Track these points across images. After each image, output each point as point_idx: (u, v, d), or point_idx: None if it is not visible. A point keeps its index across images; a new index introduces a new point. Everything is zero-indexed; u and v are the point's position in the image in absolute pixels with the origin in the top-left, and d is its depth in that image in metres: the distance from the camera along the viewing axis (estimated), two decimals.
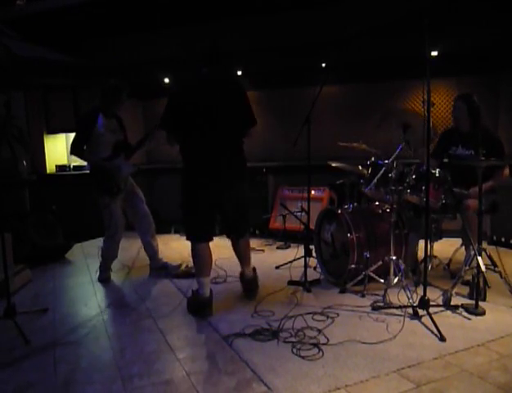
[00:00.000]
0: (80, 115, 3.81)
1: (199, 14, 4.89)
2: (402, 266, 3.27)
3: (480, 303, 2.98)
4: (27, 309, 3.24)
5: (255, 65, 5.52)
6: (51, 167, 6.18)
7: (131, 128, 4.16)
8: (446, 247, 4.07)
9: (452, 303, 3.03)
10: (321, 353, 2.48)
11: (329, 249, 3.79)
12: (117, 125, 3.92)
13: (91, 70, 4.93)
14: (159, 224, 4.12)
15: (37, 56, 4.28)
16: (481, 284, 3.03)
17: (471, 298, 3.10)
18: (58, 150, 6.37)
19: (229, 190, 3.15)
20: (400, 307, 2.99)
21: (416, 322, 2.84)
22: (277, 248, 4.99)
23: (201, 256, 3.17)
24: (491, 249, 3.41)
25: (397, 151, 3.30)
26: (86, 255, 4.95)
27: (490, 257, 3.27)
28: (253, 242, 4.50)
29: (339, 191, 4.77)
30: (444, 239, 3.87)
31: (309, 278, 3.58)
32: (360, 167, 3.71)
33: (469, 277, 3.17)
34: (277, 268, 4.15)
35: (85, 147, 3.80)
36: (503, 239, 4.55)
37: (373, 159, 3.55)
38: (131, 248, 4.49)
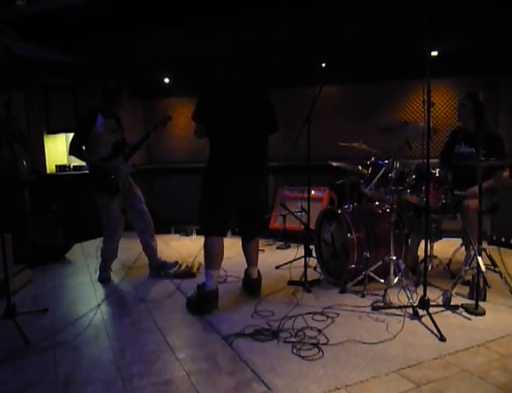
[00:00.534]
0: (79, 115, 3.81)
1: (199, 14, 4.89)
2: (402, 266, 3.27)
3: (480, 303, 2.98)
4: (27, 309, 3.24)
5: (255, 65, 5.51)
6: (51, 167, 6.18)
7: (131, 128, 4.16)
8: (446, 247, 4.07)
9: (452, 303, 3.03)
10: (321, 353, 2.48)
11: (329, 249, 3.79)
12: (116, 125, 3.92)
13: (91, 70, 4.93)
14: (159, 224, 4.12)
15: (37, 56, 4.27)
16: (481, 284, 3.03)
17: (471, 298, 3.10)
18: (58, 150, 6.37)
19: (251, 189, 3.24)
20: (400, 307, 2.99)
21: (416, 322, 2.84)
22: (277, 248, 4.99)
23: (214, 249, 3.18)
24: (491, 249, 3.41)
25: (397, 151, 3.30)
26: (86, 255, 4.94)
27: (490, 257, 3.27)
28: None
29: (339, 191, 4.78)
30: (444, 239, 3.87)
31: (309, 278, 3.58)
32: (360, 167, 3.71)
33: (469, 277, 3.18)
34: (277, 268, 4.15)
35: (84, 147, 3.80)
36: (503, 239, 4.55)
37: (373, 159, 3.55)
38: (131, 248, 4.48)
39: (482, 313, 2.91)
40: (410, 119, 5.39)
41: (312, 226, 3.92)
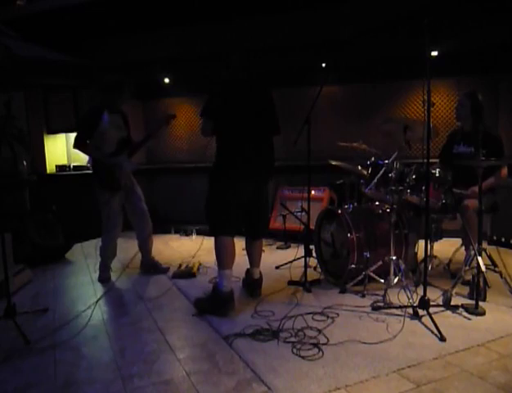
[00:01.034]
0: (85, 111, 3.82)
1: (199, 14, 4.89)
2: (402, 266, 3.27)
3: (480, 303, 2.98)
4: (27, 309, 3.25)
5: (255, 65, 5.51)
6: (51, 167, 6.17)
7: (131, 127, 4.15)
8: (446, 247, 4.07)
9: (452, 303, 3.03)
10: (321, 353, 2.48)
11: (329, 249, 3.79)
12: (122, 122, 3.93)
13: (91, 70, 4.93)
14: (159, 224, 4.13)
15: (37, 56, 4.27)
16: (481, 284, 3.02)
17: (471, 298, 3.10)
18: (58, 150, 6.37)
19: (260, 189, 3.26)
20: (400, 307, 2.99)
21: (416, 322, 2.84)
22: (277, 248, 4.99)
23: (227, 248, 3.14)
24: (491, 249, 3.41)
25: (397, 151, 3.30)
26: (86, 255, 4.95)
27: (490, 257, 3.27)
28: None
29: (339, 191, 4.78)
30: (444, 239, 3.86)
31: (309, 278, 3.58)
32: (360, 167, 3.71)
33: (469, 277, 3.18)
34: (277, 268, 4.15)
35: (88, 142, 3.80)
36: (503, 239, 4.55)
37: (373, 159, 3.55)
38: (131, 248, 4.48)
39: (482, 313, 2.91)
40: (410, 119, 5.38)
41: (312, 226, 3.92)
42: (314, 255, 3.94)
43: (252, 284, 3.44)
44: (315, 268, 4.00)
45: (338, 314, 3.00)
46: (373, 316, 2.96)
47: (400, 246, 3.52)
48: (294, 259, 4.08)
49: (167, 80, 5.99)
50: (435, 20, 2.72)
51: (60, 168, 6.15)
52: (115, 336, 2.88)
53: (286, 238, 5.09)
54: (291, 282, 3.64)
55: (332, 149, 4.35)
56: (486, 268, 3.04)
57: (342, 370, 2.30)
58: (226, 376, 2.30)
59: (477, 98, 3.47)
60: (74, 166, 6.16)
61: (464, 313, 2.93)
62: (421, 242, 3.35)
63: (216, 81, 3.23)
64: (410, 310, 2.91)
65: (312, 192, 4.95)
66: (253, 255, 3.42)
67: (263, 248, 4.85)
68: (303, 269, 3.60)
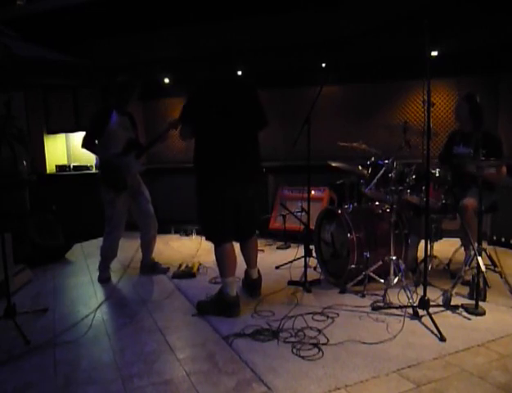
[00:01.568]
0: (95, 112, 3.85)
1: (198, 14, 4.88)
2: (402, 266, 3.27)
3: (480, 303, 2.98)
4: (27, 309, 3.25)
5: (255, 65, 5.51)
6: (51, 167, 6.18)
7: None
8: (446, 247, 4.07)
9: (452, 303, 3.03)
10: (320, 353, 2.48)
11: (329, 249, 3.79)
12: (129, 123, 3.94)
13: (91, 70, 4.93)
14: (159, 224, 4.13)
15: (37, 56, 4.27)
16: (481, 284, 3.03)
17: (471, 298, 3.10)
18: (58, 150, 6.38)
19: (248, 189, 3.17)
20: (400, 307, 2.99)
21: (416, 322, 2.84)
22: (277, 248, 4.99)
23: (228, 257, 3.09)
24: (490, 249, 3.41)
25: (397, 151, 3.30)
26: (86, 255, 4.95)
27: (490, 257, 3.27)
28: None
29: (339, 191, 4.78)
30: (444, 239, 3.87)
31: (309, 278, 3.58)
32: (360, 167, 3.71)
33: (469, 277, 3.18)
34: (277, 268, 4.15)
35: (96, 142, 3.81)
36: (503, 239, 4.55)
37: (373, 159, 3.55)
38: (131, 248, 4.48)
39: (482, 313, 2.91)
40: (411, 120, 5.38)
41: (312, 226, 3.92)
42: (314, 255, 3.94)
43: (251, 284, 3.43)
44: (315, 268, 4.00)
45: (338, 314, 3.00)
46: (373, 316, 2.96)
47: (400, 246, 3.52)
48: (294, 259, 4.08)
49: (167, 80, 5.99)
50: (435, 20, 2.72)
51: (60, 168, 6.15)
52: (115, 336, 2.88)
53: (286, 238, 5.09)
54: (291, 282, 3.64)
55: (332, 149, 4.35)
56: (486, 268, 3.04)
57: (342, 370, 2.30)
58: (226, 376, 2.30)
59: (475, 100, 3.47)
60: (74, 166, 6.17)
61: (464, 313, 2.93)
62: (421, 242, 3.35)
63: (196, 82, 3.13)
64: (410, 310, 2.91)
65: (312, 192, 4.96)
66: (248, 256, 3.37)
67: (263, 248, 4.91)
68: (303, 269, 3.60)
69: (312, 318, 2.94)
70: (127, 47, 5.46)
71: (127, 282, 3.94)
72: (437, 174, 3.31)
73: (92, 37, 5.32)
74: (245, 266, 3.47)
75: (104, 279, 3.99)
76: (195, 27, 5.03)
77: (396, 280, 3.27)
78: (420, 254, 3.48)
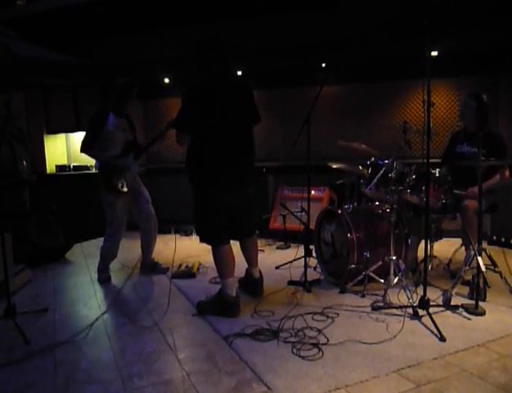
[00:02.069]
0: (92, 115, 3.84)
1: (198, 14, 4.89)
2: (402, 266, 3.27)
3: (480, 303, 2.98)
4: (27, 309, 3.24)
5: (255, 65, 5.52)
6: (51, 167, 6.18)
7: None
8: (446, 247, 4.07)
9: (452, 303, 3.02)
10: (320, 353, 2.48)
11: (329, 249, 3.79)
12: (127, 124, 3.93)
13: (91, 70, 4.94)
14: (159, 224, 4.13)
15: (37, 56, 4.28)
16: (481, 284, 3.03)
17: (471, 298, 3.10)
18: (58, 150, 6.37)
19: (246, 189, 3.16)
20: (400, 307, 2.99)
21: (416, 322, 2.84)
22: (277, 248, 4.99)
23: (226, 258, 3.09)
24: (491, 249, 3.41)
25: (397, 151, 3.30)
26: (86, 255, 4.95)
27: (490, 257, 3.27)
28: None
29: (339, 191, 4.78)
30: (444, 239, 3.87)
31: (309, 278, 3.58)
32: (360, 167, 3.71)
33: (469, 277, 3.18)
34: (277, 268, 4.15)
35: (95, 146, 3.81)
36: (503, 239, 4.55)
37: (373, 159, 3.55)
38: (131, 248, 4.49)
39: (482, 313, 2.91)
40: (410, 120, 5.39)
41: (312, 226, 3.92)
42: (314, 255, 3.94)
43: (253, 284, 3.41)
44: (315, 268, 4.00)
45: (338, 314, 3.00)
46: (373, 316, 2.96)
47: (400, 246, 3.52)
48: (294, 259, 4.08)
49: (167, 80, 5.99)
50: (435, 20, 2.72)
51: (60, 168, 6.15)
52: (115, 336, 2.88)
53: (286, 238, 5.09)
54: (291, 282, 3.64)
55: (332, 149, 4.35)
56: (486, 268, 3.04)
57: (342, 370, 2.30)
58: (226, 376, 2.30)
59: (482, 99, 3.45)
60: (73, 166, 6.16)
61: (464, 313, 2.93)
62: (421, 242, 3.35)
63: (189, 85, 3.07)
64: (410, 310, 2.91)
65: (312, 192, 4.96)
66: (249, 255, 3.37)
67: (263, 248, 4.90)
68: (303, 269, 3.60)
69: (312, 318, 2.94)
70: (127, 47, 5.47)
71: (127, 282, 3.93)
72: (437, 174, 3.31)
73: (92, 37, 5.33)
74: (243, 266, 3.46)
75: (104, 279, 3.99)
76: (194, 27, 5.03)
77: (396, 280, 3.27)
78: (420, 254, 3.48)
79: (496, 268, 3.21)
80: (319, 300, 3.30)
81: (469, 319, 2.86)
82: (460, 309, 2.97)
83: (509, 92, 5.06)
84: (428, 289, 2.92)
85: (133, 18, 5.00)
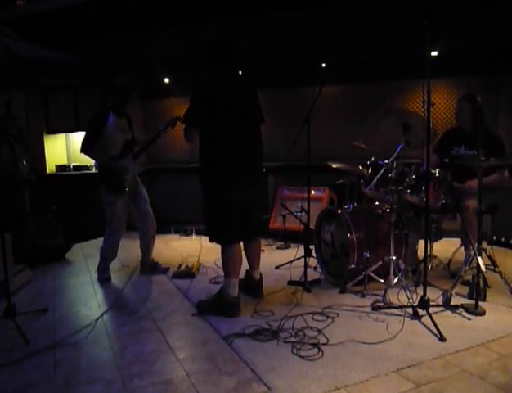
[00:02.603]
0: (91, 115, 3.84)
1: (199, 14, 4.89)
2: (402, 266, 3.27)
3: (480, 303, 2.98)
4: (27, 309, 3.25)
5: (255, 65, 5.52)
6: (51, 167, 6.18)
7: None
8: (446, 247, 4.07)
9: (452, 303, 3.03)
10: (320, 353, 2.48)
11: (329, 249, 3.79)
12: (127, 124, 3.93)
13: (91, 70, 4.93)
14: (159, 224, 4.13)
15: (37, 56, 4.27)
16: (481, 284, 3.03)
17: (471, 298, 3.10)
18: (58, 150, 6.38)
19: (255, 189, 3.17)
20: (400, 307, 2.99)
21: (416, 322, 2.84)
22: (277, 248, 4.99)
23: (234, 258, 3.09)
24: (490, 249, 3.40)
25: (397, 151, 3.29)
26: (86, 255, 4.95)
27: (490, 257, 3.27)
28: None
29: (339, 191, 4.77)
30: (444, 239, 3.87)
31: (309, 278, 3.58)
32: (360, 167, 3.71)
33: (469, 277, 3.18)
34: (277, 268, 4.15)
35: (95, 146, 3.81)
36: (503, 239, 4.55)
37: (373, 159, 3.55)
38: (131, 248, 4.49)
39: (482, 313, 2.91)
40: (411, 119, 5.38)
41: (312, 226, 3.92)
42: (314, 255, 3.94)
43: (254, 285, 3.41)
44: (315, 268, 4.00)
45: (338, 314, 3.00)
46: (373, 316, 2.96)
47: (400, 246, 3.52)
48: (294, 259, 4.08)
49: (167, 80, 5.99)
50: (435, 20, 2.72)
51: (59, 168, 6.16)
52: (115, 335, 2.88)
53: (286, 238, 5.09)
54: (291, 282, 3.64)
55: (332, 149, 4.36)
56: (486, 268, 3.04)
57: (342, 370, 2.30)
58: (226, 376, 2.31)
59: (477, 101, 3.45)
60: (73, 166, 6.17)
61: (464, 313, 2.93)
62: (421, 242, 3.35)
63: (198, 83, 3.07)
64: (410, 310, 2.91)
65: (312, 192, 4.96)
66: (252, 257, 3.36)
67: (263, 248, 4.88)
68: (303, 269, 3.60)
69: (312, 318, 2.94)
70: (127, 48, 5.47)
71: (127, 283, 3.93)
72: (437, 174, 3.31)
73: (92, 37, 5.33)
74: (243, 266, 3.45)
75: (104, 279, 3.99)
76: (195, 27, 5.03)
77: (396, 280, 3.27)
78: (420, 254, 3.48)
79: (496, 268, 3.21)
80: (319, 300, 3.30)
81: (469, 319, 2.86)
82: (460, 309, 2.97)
83: (509, 92, 5.05)
84: (428, 289, 2.92)
85: (133, 18, 4.99)
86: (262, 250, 4.78)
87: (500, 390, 2.08)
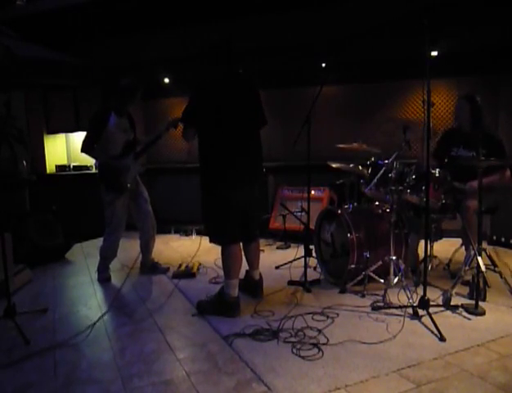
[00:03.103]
0: (92, 114, 3.84)
1: (198, 14, 4.89)
2: (402, 266, 3.27)
3: (480, 303, 2.98)
4: (27, 309, 3.24)
5: (255, 65, 5.52)
6: (51, 167, 6.18)
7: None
8: (446, 247, 4.06)
9: (452, 303, 3.02)
10: (320, 353, 2.48)
11: (329, 249, 3.79)
12: (128, 124, 3.93)
13: (91, 70, 4.93)
14: (159, 224, 4.13)
15: (37, 56, 4.27)
16: (481, 284, 3.03)
17: (471, 298, 3.10)
18: (58, 150, 6.38)
19: (254, 189, 3.16)
20: (400, 307, 2.99)
21: (416, 322, 2.84)
22: (277, 248, 4.99)
23: (234, 259, 3.08)
24: (491, 249, 3.41)
25: (397, 151, 3.29)
26: (86, 255, 4.95)
27: (490, 257, 3.27)
28: None
29: (339, 191, 4.78)
30: (444, 239, 3.87)
31: (309, 278, 3.58)
32: (360, 167, 3.71)
33: (469, 277, 3.17)
34: (277, 268, 4.15)
35: (95, 146, 3.81)
36: (503, 239, 4.55)
37: (373, 159, 3.55)
38: (131, 248, 4.48)
39: (482, 313, 2.91)
40: (410, 120, 5.38)
41: (312, 226, 3.92)
42: (314, 255, 3.94)
43: (253, 286, 3.40)
44: (315, 268, 4.00)
45: (338, 314, 3.00)
46: (373, 316, 2.96)
47: (400, 246, 3.52)
48: (294, 259, 4.08)
49: (167, 80, 5.99)
50: (435, 20, 2.72)
51: (59, 168, 6.16)
52: (115, 336, 2.88)
53: (286, 238, 5.09)
54: (291, 282, 3.64)
55: (332, 149, 4.35)
56: (486, 268, 3.04)
57: (342, 370, 2.30)
58: (226, 376, 2.30)
59: (476, 101, 3.45)
60: (73, 166, 6.17)
61: (464, 313, 2.93)
62: (421, 242, 3.35)
63: (198, 83, 3.07)
64: (410, 310, 2.91)
65: (312, 192, 4.96)
66: (251, 258, 3.35)
67: (263, 248, 4.90)
68: (303, 269, 3.60)
69: (312, 318, 2.94)
70: (127, 47, 5.46)
71: (127, 283, 3.93)
72: (437, 174, 3.31)
73: (92, 37, 5.32)
74: (243, 267, 3.45)
75: (103, 279, 3.99)
76: (195, 27, 5.03)
77: (396, 280, 3.27)
78: (420, 254, 3.48)
79: (496, 268, 3.21)
80: (319, 300, 3.30)
81: (468, 319, 2.86)
82: (460, 309, 2.97)
83: (510, 92, 5.05)
84: (428, 289, 2.92)
85: (133, 18, 4.99)
86: (262, 250, 4.82)
87: (500, 390, 2.08)
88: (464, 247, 3.60)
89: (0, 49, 3.82)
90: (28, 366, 2.49)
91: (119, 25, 5.14)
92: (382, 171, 3.31)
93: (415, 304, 2.91)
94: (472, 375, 2.21)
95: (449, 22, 4.25)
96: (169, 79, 5.97)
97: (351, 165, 3.79)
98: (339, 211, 3.62)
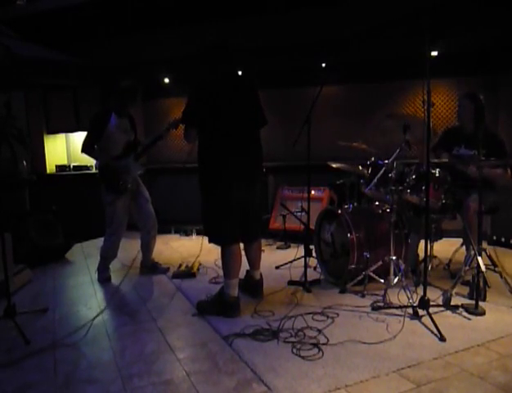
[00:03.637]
0: (93, 115, 3.84)
1: (199, 14, 4.89)
2: (402, 266, 3.27)
3: (480, 303, 2.98)
4: (27, 309, 3.24)
5: (255, 65, 5.51)
6: (51, 167, 6.18)
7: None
8: (446, 247, 4.06)
9: (452, 303, 3.02)
10: (320, 353, 2.48)
11: (329, 249, 3.79)
12: (129, 125, 3.93)
13: (91, 70, 4.93)
14: (159, 224, 4.13)
15: (37, 56, 4.28)
16: (481, 284, 3.03)
17: (471, 298, 3.10)
18: (58, 150, 6.38)
19: (254, 189, 3.16)
20: (400, 307, 2.99)
21: (416, 322, 2.84)
22: (277, 248, 4.99)
23: (233, 259, 3.07)
24: (491, 249, 3.41)
25: (397, 151, 3.29)
26: (86, 255, 4.95)
27: (490, 257, 3.27)
28: None
29: (339, 191, 4.78)
30: (444, 239, 3.87)
31: (309, 278, 3.58)
32: (360, 167, 3.71)
33: (469, 277, 3.17)
34: (277, 268, 4.15)
35: (96, 146, 3.81)
36: (503, 239, 4.55)
37: (373, 159, 3.55)
38: (131, 248, 4.48)
39: (482, 313, 2.91)
40: (411, 120, 5.38)
41: (312, 226, 3.92)
42: (314, 255, 3.94)
43: (254, 286, 3.40)
44: (315, 268, 4.00)
45: (338, 314, 3.00)
46: (373, 316, 2.96)
47: (400, 246, 3.52)
48: (294, 259, 4.08)
49: (167, 80, 5.99)
50: (435, 20, 2.72)
51: (60, 168, 6.16)
52: (115, 336, 2.88)
53: (286, 238, 5.09)
54: (291, 282, 3.64)
55: (332, 149, 4.35)
56: (486, 268, 3.04)
57: (342, 370, 2.30)
58: (226, 376, 2.31)
59: (479, 100, 3.43)
60: (73, 166, 6.17)
61: (464, 313, 2.93)
62: (421, 242, 3.35)
63: (198, 82, 3.07)
64: (410, 310, 2.91)
65: (312, 192, 4.95)
66: (253, 258, 3.35)
67: (263, 248, 4.87)
68: (303, 269, 3.60)
69: (312, 318, 2.94)
70: (127, 47, 5.46)
71: (127, 283, 3.93)
72: (437, 174, 3.31)
73: (92, 37, 5.32)
74: (243, 267, 3.44)
75: (104, 279, 3.99)
76: (195, 27, 5.03)
77: (396, 280, 3.27)
78: (420, 254, 3.48)
79: (496, 268, 3.21)
80: (319, 300, 3.30)
81: (468, 319, 2.86)
82: (460, 309, 2.97)
83: (509, 92, 5.05)
84: (428, 289, 2.92)
85: (133, 18, 4.99)
86: (263, 250, 4.79)
87: (500, 390, 2.08)
88: (464, 247, 3.60)
89: (0, 49, 3.82)
90: (28, 366, 2.49)
91: (119, 25, 5.14)
92: (382, 171, 3.31)
93: (415, 304, 2.91)
94: (472, 375, 2.21)
95: (449, 22, 4.24)
96: (169, 79, 5.97)
97: (351, 165, 3.80)
98: (339, 211, 3.62)
